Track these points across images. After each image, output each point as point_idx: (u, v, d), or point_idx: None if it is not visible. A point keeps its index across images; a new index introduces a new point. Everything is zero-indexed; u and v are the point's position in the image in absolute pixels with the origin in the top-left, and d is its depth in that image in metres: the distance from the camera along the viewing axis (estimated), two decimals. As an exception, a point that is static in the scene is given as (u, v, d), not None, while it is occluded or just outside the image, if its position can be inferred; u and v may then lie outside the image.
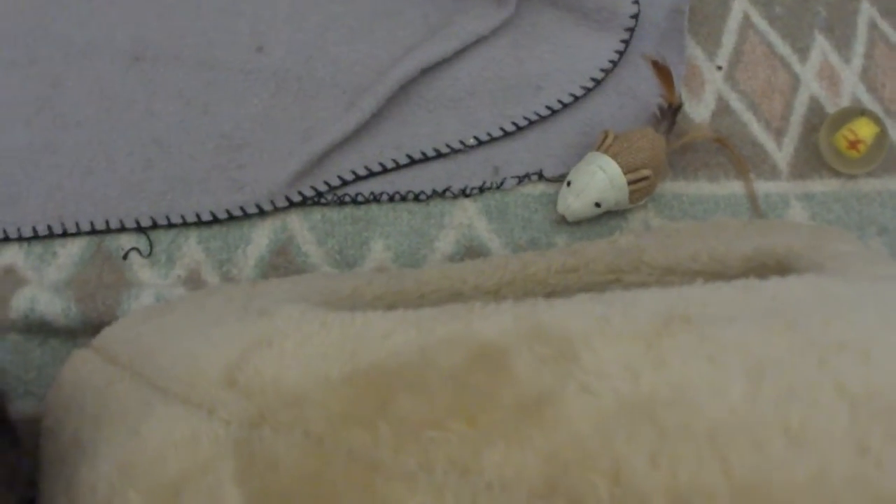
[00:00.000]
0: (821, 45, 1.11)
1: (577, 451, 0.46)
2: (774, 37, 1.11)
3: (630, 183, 0.92)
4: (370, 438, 0.50)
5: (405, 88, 0.99)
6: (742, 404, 0.46)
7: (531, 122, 1.00)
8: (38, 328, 0.91)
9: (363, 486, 0.49)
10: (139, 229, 0.94)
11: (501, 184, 0.97)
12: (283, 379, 0.57)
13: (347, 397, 0.53)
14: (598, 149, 0.94)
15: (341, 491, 0.49)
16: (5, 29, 1.02)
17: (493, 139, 0.99)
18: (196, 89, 1.00)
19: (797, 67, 1.10)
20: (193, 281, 0.92)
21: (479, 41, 1.02)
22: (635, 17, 1.05)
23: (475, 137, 0.98)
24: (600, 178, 0.92)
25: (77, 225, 0.94)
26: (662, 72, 0.98)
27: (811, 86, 1.09)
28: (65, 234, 0.94)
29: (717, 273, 0.79)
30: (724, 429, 0.44)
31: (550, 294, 0.82)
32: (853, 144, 1.00)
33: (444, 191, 0.96)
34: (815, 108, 1.07)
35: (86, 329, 0.90)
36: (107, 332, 0.84)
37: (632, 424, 0.46)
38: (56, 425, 0.83)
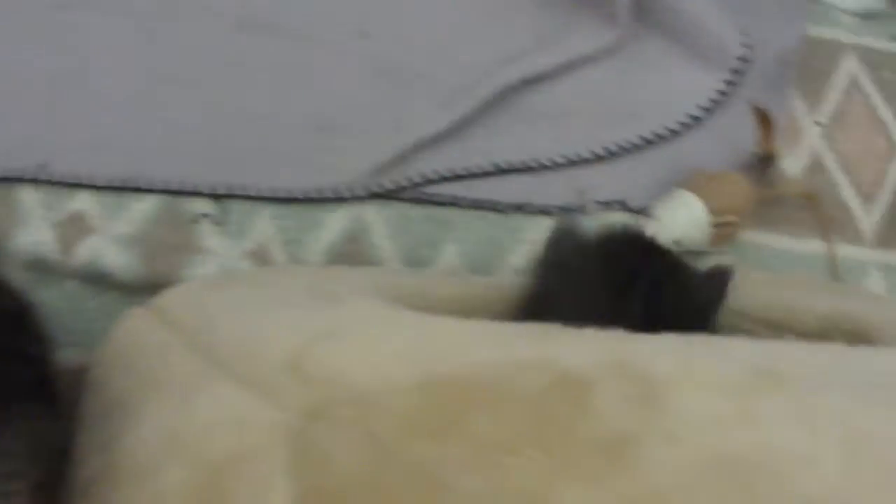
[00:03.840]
0: (927, 116, 1.08)
1: (656, 502, 0.44)
2: (879, 101, 1.08)
3: (714, 226, 0.90)
4: (439, 453, 0.48)
5: (503, 96, 0.98)
6: (837, 480, 0.43)
7: (622, 150, 0.98)
8: (97, 279, 0.90)
9: (424, 501, 0.47)
10: (215, 196, 0.93)
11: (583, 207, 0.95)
12: (348, 373, 0.54)
13: (418, 406, 0.51)
14: (688, 187, 0.92)
15: (399, 502, 0.47)
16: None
17: (581, 161, 0.97)
18: (293, 65, 0.98)
19: (897, 135, 1.07)
20: (261, 256, 0.91)
21: (584, 60, 1.00)
22: (742, 59, 1.02)
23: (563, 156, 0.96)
24: (684, 216, 0.90)
25: (152, 182, 0.93)
26: (764, 120, 0.95)
27: (909, 156, 1.06)
28: (139, 190, 0.93)
29: (789, 327, 0.76)
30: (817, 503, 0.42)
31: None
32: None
33: (525, 205, 0.94)
34: (911, 180, 1.04)
35: (145, 287, 0.89)
36: (168, 295, 0.82)
37: (718, 483, 0.44)
38: (102, 380, 0.81)
